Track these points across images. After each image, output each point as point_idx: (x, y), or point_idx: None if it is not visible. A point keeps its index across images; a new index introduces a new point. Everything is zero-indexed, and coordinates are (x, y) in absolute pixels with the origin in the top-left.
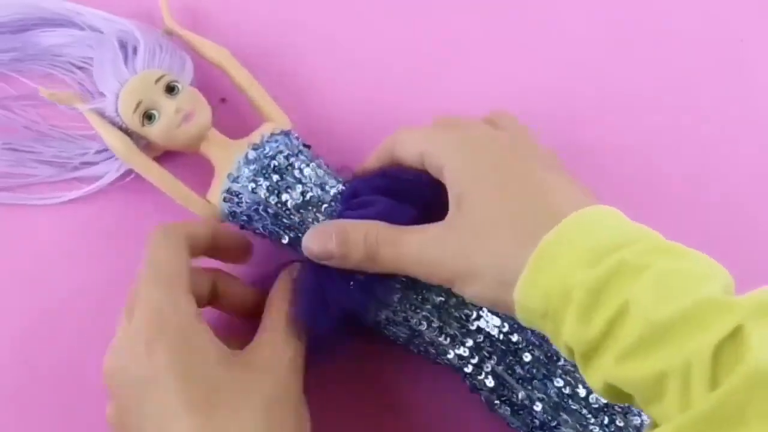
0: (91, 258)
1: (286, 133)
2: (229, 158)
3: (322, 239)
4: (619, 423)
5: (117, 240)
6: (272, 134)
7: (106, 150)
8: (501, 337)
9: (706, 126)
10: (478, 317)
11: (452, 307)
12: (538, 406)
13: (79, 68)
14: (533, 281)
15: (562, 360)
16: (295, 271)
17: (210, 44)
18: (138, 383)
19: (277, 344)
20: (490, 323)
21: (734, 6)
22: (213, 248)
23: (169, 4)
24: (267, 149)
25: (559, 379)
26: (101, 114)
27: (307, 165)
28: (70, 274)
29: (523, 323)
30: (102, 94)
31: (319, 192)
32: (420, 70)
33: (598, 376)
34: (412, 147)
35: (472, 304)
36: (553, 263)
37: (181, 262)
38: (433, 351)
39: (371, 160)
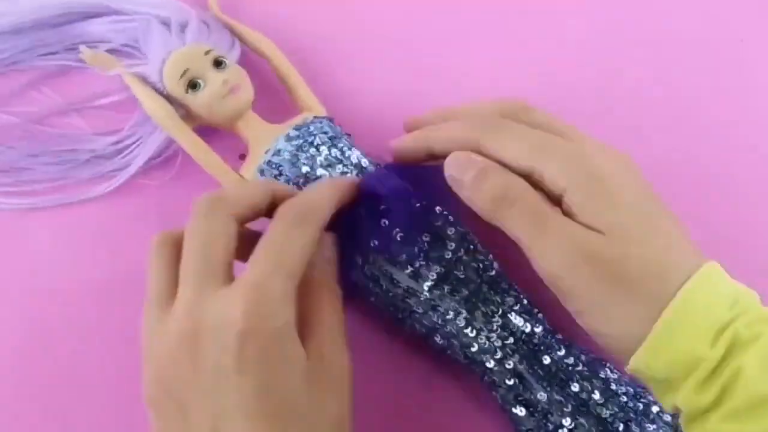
0: (91, 259)
1: (329, 119)
2: (266, 138)
3: (464, 166)
4: (635, 430)
5: (117, 241)
6: (315, 117)
7: (118, 142)
8: (524, 337)
9: (705, 126)
10: (505, 313)
11: (480, 301)
12: (554, 409)
13: (128, 54)
14: (655, 354)
15: (580, 366)
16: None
17: (254, 33)
18: (216, 371)
19: (341, 354)
20: (515, 321)
21: (734, 6)
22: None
23: None
24: (311, 128)
25: (575, 384)
26: (143, 79)
27: (350, 149)
28: (71, 275)
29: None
30: (146, 61)
31: (358, 176)
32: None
33: (700, 429)
34: (519, 158)
35: (500, 300)
36: (673, 340)
37: (229, 243)
38: (456, 343)
39: (405, 147)
